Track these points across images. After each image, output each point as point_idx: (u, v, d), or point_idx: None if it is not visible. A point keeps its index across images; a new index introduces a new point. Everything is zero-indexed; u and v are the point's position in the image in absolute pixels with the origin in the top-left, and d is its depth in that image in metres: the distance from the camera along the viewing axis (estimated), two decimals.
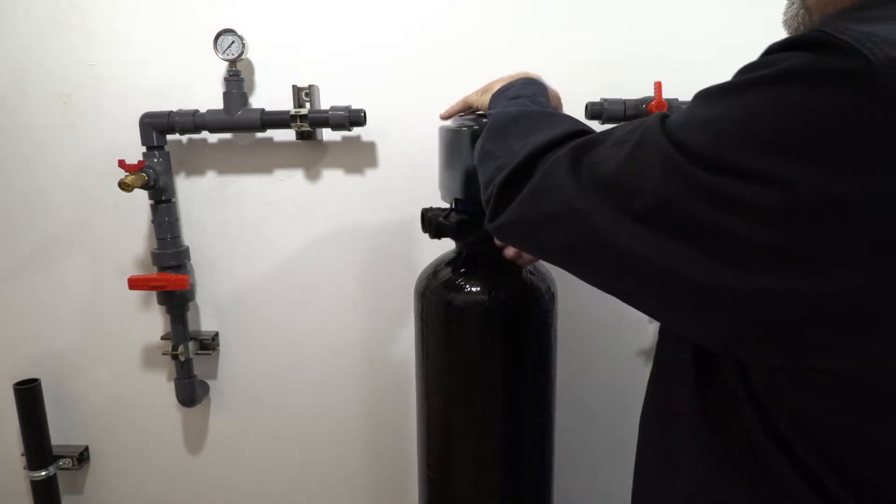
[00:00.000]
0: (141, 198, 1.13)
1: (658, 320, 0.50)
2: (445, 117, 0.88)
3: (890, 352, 0.35)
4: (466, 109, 0.85)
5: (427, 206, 0.91)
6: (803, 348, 0.37)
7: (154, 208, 1.12)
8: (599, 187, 0.44)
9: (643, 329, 1.20)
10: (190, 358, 1.19)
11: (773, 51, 0.38)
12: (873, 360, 0.36)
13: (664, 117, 0.43)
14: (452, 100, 1.08)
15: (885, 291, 0.33)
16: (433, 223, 0.86)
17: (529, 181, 0.51)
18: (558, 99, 0.82)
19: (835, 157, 0.33)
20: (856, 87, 0.32)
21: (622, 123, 0.49)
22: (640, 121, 0.45)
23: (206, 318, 1.24)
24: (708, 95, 0.40)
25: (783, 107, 0.35)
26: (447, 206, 0.89)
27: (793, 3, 0.52)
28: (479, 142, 0.63)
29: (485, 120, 0.78)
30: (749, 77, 0.37)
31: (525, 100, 0.69)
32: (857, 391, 0.38)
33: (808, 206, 0.33)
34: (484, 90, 0.79)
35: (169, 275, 1.12)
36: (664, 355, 0.57)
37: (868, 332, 0.34)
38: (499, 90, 0.74)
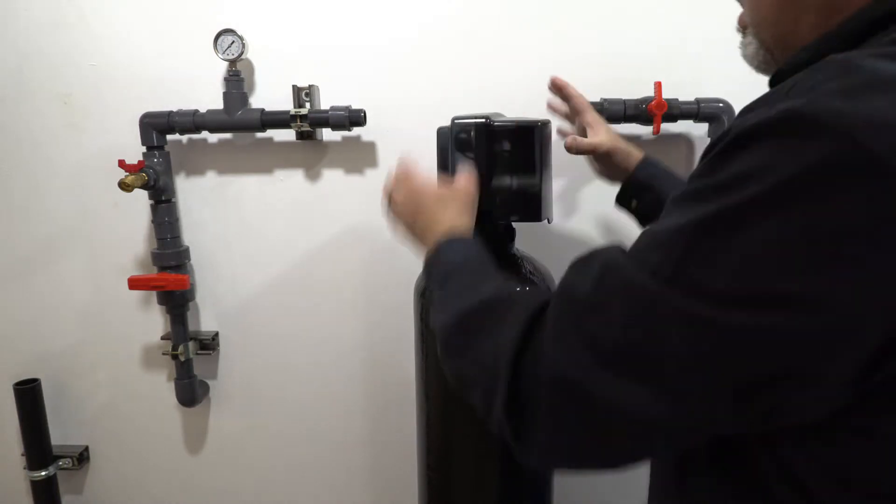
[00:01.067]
0: (141, 198, 1.13)
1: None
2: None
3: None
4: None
5: None
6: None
7: (154, 208, 1.12)
8: (611, 368, 0.38)
9: None
10: (190, 358, 1.19)
11: (744, 137, 0.35)
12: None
13: (621, 251, 0.41)
14: (452, 99, 1.09)
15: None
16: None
17: (534, 402, 0.42)
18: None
19: (872, 262, 0.31)
20: (868, 185, 0.30)
21: (575, 262, 0.45)
22: (599, 267, 0.41)
23: (206, 318, 1.24)
24: (707, 229, 0.36)
25: (800, 228, 0.32)
26: None
27: (749, 43, 0.51)
28: (440, 336, 0.54)
29: (482, 121, 0.79)
30: (745, 197, 0.34)
31: (457, 279, 0.59)
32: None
33: (844, 317, 0.32)
34: (413, 243, 0.71)
35: (169, 275, 1.12)
36: None
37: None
38: (430, 258, 0.65)
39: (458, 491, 0.91)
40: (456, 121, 0.82)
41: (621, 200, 0.89)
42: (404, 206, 0.74)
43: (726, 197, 0.35)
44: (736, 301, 0.34)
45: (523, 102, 1.07)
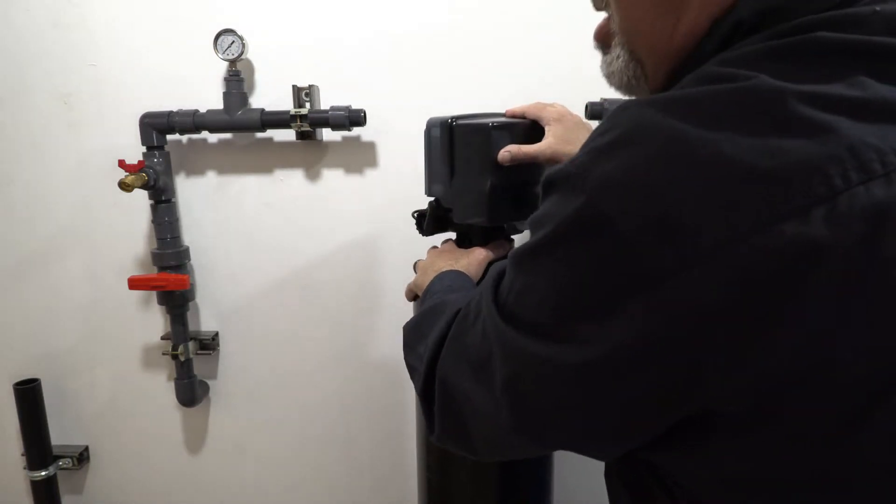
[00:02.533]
0: (141, 198, 1.13)
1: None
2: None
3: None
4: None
5: (424, 207, 0.91)
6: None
7: (154, 208, 1.12)
8: (474, 374, 0.45)
9: None
10: (190, 358, 1.19)
11: (546, 186, 0.39)
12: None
13: (497, 283, 0.44)
14: (452, 99, 1.09)
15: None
16: (436, 215, 0.86)
17: (434, 394, 0.51)
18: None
19: (617, 307, 0.34)
20: (602, 242, 0.34)
21: (491, 272, 0.49)
22: (481, 289, 0.46)
23: (206, 318, 1.24)
24: (518, 259, 0.41)
25: (563, 272, 0.36)
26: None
27: (617, 57, 0.47)
28: (404, 355, 0.64)
29: (446, 119, 0.79)
30: (535, 241, 0.38)
31: (438, 295, 0.69)
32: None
33: (603, 358, 0.35)
34: (419, 287, 0.78)
35: (169, 275, 1.12)
36: None
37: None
38: (425, 290, 0.74)
39: (458, 491, 0.91)
40: (428, 119, 0.82)
41: None
42: (423, 263, 0.81)
43: (534, 237, 0.39)
44: (536, 331, 0.38)
45: (524, 102, 1.07)
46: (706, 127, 0.32)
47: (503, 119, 0.79)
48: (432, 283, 0.72)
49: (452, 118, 0.80)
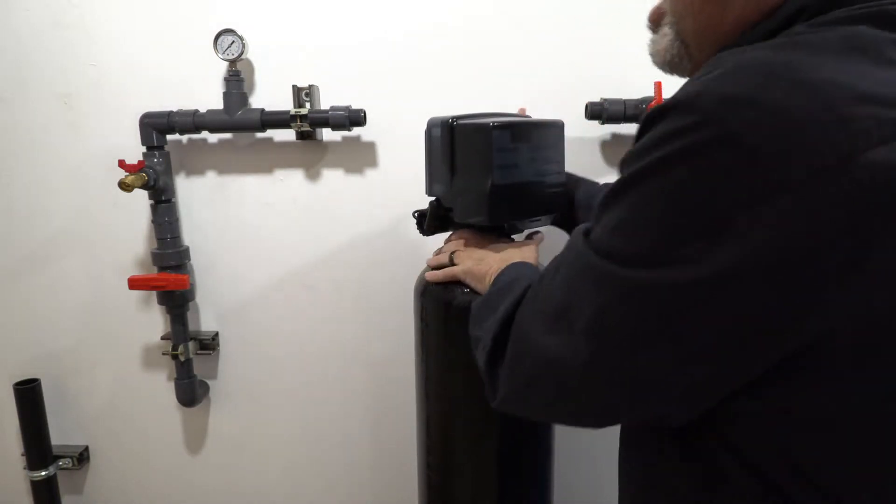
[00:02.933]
0: (141, 198, 1.13)
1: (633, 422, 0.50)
2: (433, 266, 0.86)
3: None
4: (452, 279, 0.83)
5: (424, 207, 0.91)
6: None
7: (154, 208, 1.12)
8: (548, 324, 0.45)
9: None
10: (190, 358, 1.19)
11: (647, 122, 0.39)
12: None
13: (587, 231, 0.44)
14: (452, 99, 1.09)
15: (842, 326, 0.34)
16: (436, 215, 0.86)
17: (506, 352, 0.51)
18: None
19: (732, 223, 0.34)
20: (724, 156, 0.34)
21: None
22: (570, 239, 0.47)
23: (206, 318, 1.24)
24: (612, 197, 0.41)
25: (678, 192, 0.36)
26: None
27: (664, 35, 0.50)
28: (469, 330, 0.65)
29: (479, 121, 0.79)
30: (637, 169, 0.38)
31: (506, 277, 0.69)
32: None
33: (714, 276, 0.35)
34: (476, 275, 0.77)
35: (169, 275, 1.12)
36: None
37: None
38: (493, 281, 0.73)
39: (458, 491, 0.91)
40: (429, 119, 0.82)
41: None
42: (474, 250, 0.81)
43: (627, 170, 0.40)
44: (634, 261, 0.38)
45: (524, 102, 1.07)
46: (818, 57, 0.35)
47: (504, 119, 0.80)
48: (504, 271, 0.72)
49: (453, 118, 0.80)
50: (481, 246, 0.81)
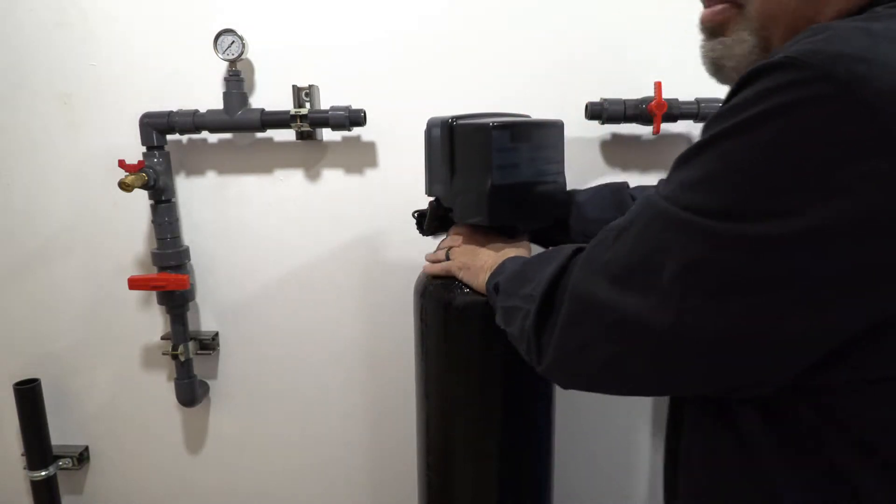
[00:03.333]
0: (141, 198, 1.13)
1: (715, 392, 0.47)
2: (432, 261, 0.87)
3: None
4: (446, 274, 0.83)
5: (424, 207, 0.91)
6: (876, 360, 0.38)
7: (154, 208, 1.12)
8: (619, 283, 0.44)
9: None
10: (190, 358, 1.19)
11: (744, 81, 0.39)
12: None
13: (660, 195, 0.43)
14: (453, 99, 1.09)
15: None
16: (436, 215, 0.86)
17: (557, 316, 0.50)
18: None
19: (840, 177, 0.33)
20: (837, 111, 0.33)
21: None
22: (633, 208, 0.46)
23: (206, 318, 1.24)
24: (698, 152, 0.40)
25: (779, 145, 0.36)
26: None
27: (741, 42, 0.48)
28: (499, 307, 0.64)
29: (479, 121, 0.79)
30: (737, 122, 0.37)
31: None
32: None
33: (814, 229, 0.34)
34: (471, 270, 0.77)
35: (169, 275, 1.12)
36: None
37: None
38: (492, 273, 0.73)
39: (458, 491, 0.91)
40: (429, 119, 0.83)
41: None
42: (471, 248, 0.81)
43: (720, 126, 0.39)
44: (723, 214, 0.38)
45: (524, 102, 1.07)
46: None
47: (504, 119, 0.79)
48: (504, 263, 0.71)
49: (453, 118, 0.80)
50: (477, 243, 0.81)
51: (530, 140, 0.80)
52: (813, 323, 0.37)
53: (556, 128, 0.84)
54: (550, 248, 0.66)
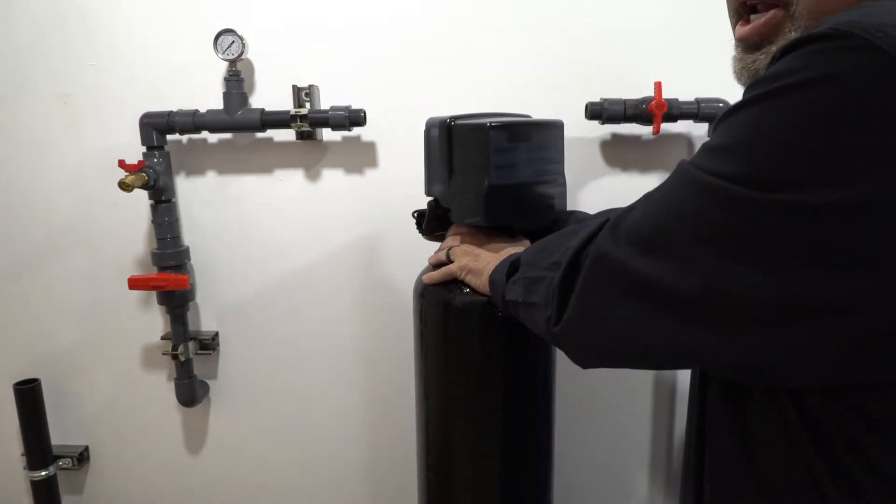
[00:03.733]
0: (141, 198, 1.13)
1: (726, 367, 0.47)
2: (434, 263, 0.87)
3: None
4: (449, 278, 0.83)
5: (424, 207, 0.91)
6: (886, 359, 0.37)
7: (154, 208, 1.12)
8: (642, 246, 0.43)
9: None
10: (190, 358, 1.19)
11: (786, 50, 0.38)
12: None
13: (689, 161, 0.43)
14: (453, 99, 1.09)
15: None
16: (435, 215, 0.86)
17: (584, 271, 0.49)
18: None
19: (882, 150, 0.33)
20: (879, 81, 0.33)
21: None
22: (669, 178, 0.46)
23: (206, 318, 1.24)
24: (734, 114, 0.40)
25: (817, 113, 0.35)
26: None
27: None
28: (518, 282, 0.63)
29: (476, 121, 0.79)
30: (778, 86, 0.37)
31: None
32: None
33: (855, 201, 0.34)
34: (473, 271, 0.77)
35: (169, 275, 1.12)
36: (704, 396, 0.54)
37: None
38: (495, 269, 0.72)
39: (458, 491, 0.91)
40: (428, 119, 0.83)
41: None
42: (471, 249, 0.80)
43: (756, 91, 0.38)
44: (751, 181, 0.37)
45: (524, 102, 1.07)
46: None
47: (501, 119, 0.79)
48: (506, 259, 0.71)
49: (451, 118, 0.80)
50: (478, 242, 0.81)
51: (529, 140, 0.80)
52: (836, 293, 0.36)
53: (555, 128, 0.84)
54: (573, 226, 0.65)
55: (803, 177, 0.35)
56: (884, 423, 0.39)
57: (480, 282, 0.75)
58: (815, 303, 0.37)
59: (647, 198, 0.46)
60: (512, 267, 0.67)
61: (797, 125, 0.36)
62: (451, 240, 0.85)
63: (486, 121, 0.77)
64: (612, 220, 0.49)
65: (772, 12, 0.49)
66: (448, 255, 0.82)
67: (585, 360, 0.53)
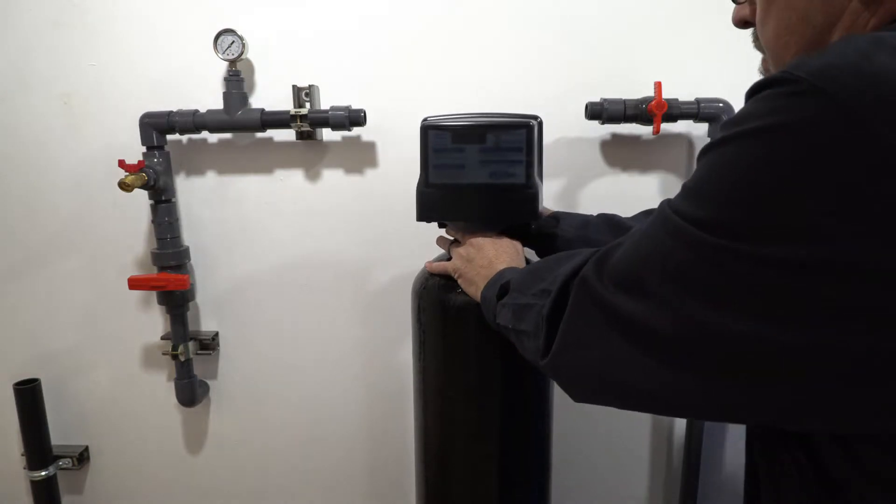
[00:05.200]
0: (141, 198, 1.13)
1: (714, 413, 0.45)
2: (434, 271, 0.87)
3: None
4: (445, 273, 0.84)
5: None
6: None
7: (154, 208, 1.12)
8: (621, 284, 0.44)
9: None
10: (190, 358, 1.19)
11: (748, 95, 0.39)
12: None
13: (668, 201, 0.43)
14: (452, 99, 1.09)
15: None
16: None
17: (568, 303, 0.50)
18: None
19: (849, 201, 0.32)
20: (822, 128, 0.32)
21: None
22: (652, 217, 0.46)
23: (206, 318, 1.24)
24: (699, 158, 0.41)
25: (763, 162, 0.35)
26: None
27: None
28: (509, 305, 0.63)
29: (425, 122, 0.80)
30: (733, 132, 0.37)
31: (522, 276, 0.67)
32: None
33: (822, 260, 0.33)
34: (466, 278, 0.78)
35: (169, 275, 1.12)
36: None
37: None
38: (487, 285, 0.73)
39: (457, 491, 0.91)
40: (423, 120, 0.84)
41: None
42: (466, 252, 0.81)
43: (719, 135, 0.39)
44: (707, 224, 0.37)
45: (524, 102, 1.07)
46: None
47: (448, 120, 0.81)
48: (502, 272, 0.72)
49: (425, 118, 0.81)
50: (476, 244, 0.80)
51: (484, 142, 0.80)
52: (796, 342, 0.35)
53: (522, 129, 0.80)
54: (564, 252, 0.65)
55: (750, 226, 0.35)
56: (883, 475, 0.38)
57: (471, 291, 0.77)
58: (778, 352, 0.36)
59: (632, 236, 0.46)
60: (502, 290, 0.67)
61: (746, 174, 0.36)
62: (452, 233, 0.86)
63: (430, 122, 0.80)
64: (599, 253, 0.49)
65: (762, 60, 0.52)
66: (449, 250, 0.85)
67: (576, 394, 0.53)
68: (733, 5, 0.54)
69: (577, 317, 0.49)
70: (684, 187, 0.41)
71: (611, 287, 0.45)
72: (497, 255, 0.77)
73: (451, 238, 0.87)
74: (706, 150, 0.40)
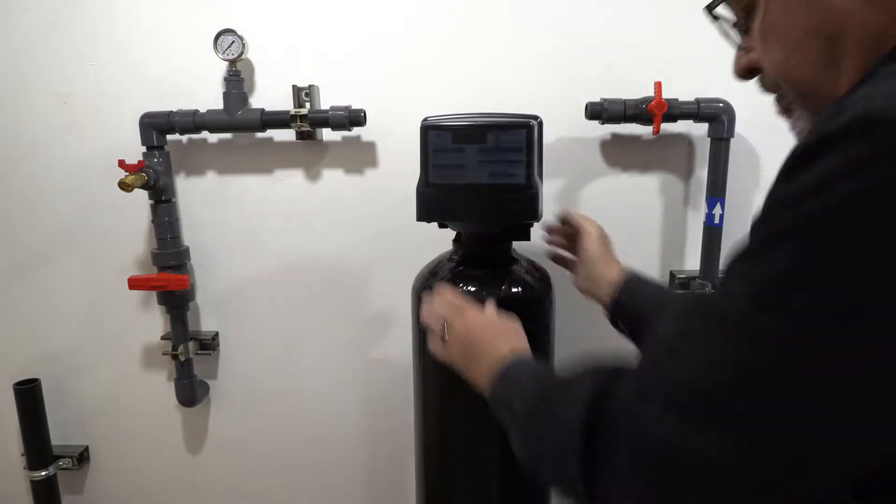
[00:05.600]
0: (141, 198, 1.13)
1: None
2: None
3: None
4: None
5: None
6: None
7: (154, 208, 1.12)
8: (687, 415, 0.35)
9: None
10: (190, 358, 1.19)
11: (806, 157, 0.33)
12: None
13: (716, 293, 0.36)
14: (453, 99, 1.09)
15: None
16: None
17: (612, 457, 0.39)
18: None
19: None
20: None
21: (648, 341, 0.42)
22: (677, 309, 0.39)
23: (206, 318, 1.24)
24: (769, 242, 0.34)
25: (882, 236, 0.29)
26: None
27: (798, 118, 0.47)
28: (516, 434, 0.53)
29: (424, 122, 0.81)
30: (821, 207, 0.31)
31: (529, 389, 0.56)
32: None
33: None
34: (468, 369, 0.68)
35: (169, 275, 1.12)
36: None
37: None
38: (495, 384, 0.62)
39: (456, 491, 0.91)
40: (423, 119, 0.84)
41: (613, 322, 0.83)
42: (461, 334, 0.71)
43: (794, 209, 0.32)
44: (803, 320, 0.31)
45: (524, 102, 1.07)
46: None
47: (449, 120, 0.82)
48: (512, 371, 0.61)
49: (425, 119, 0.82)
50: (465, 323, 0.70)
51: (483, 142, 0.80)
52: None
53: (522, 129, 0.80)
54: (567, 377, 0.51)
55: (873, 309, 0.30)
56: None
57: (476, 383, 0.67)
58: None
59: (671, 346, 0.37)
60: (508, 408, 0.56)
61: (872, 250, 0.30)
62: (440, 305, 0.75)
63: (429, 122, 0.80)
64: (634, 379, 0.39)
65: (777, 95, 0.49)
66: (444, 330, 0.73)
67: None
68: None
69: (633, 473, 0.38)
70: (766, 279, 0.33)
71: (670, 420, 0.35)
72: (496, 333, 0.68)
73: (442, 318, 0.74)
74: (785, 233, 0.32)
